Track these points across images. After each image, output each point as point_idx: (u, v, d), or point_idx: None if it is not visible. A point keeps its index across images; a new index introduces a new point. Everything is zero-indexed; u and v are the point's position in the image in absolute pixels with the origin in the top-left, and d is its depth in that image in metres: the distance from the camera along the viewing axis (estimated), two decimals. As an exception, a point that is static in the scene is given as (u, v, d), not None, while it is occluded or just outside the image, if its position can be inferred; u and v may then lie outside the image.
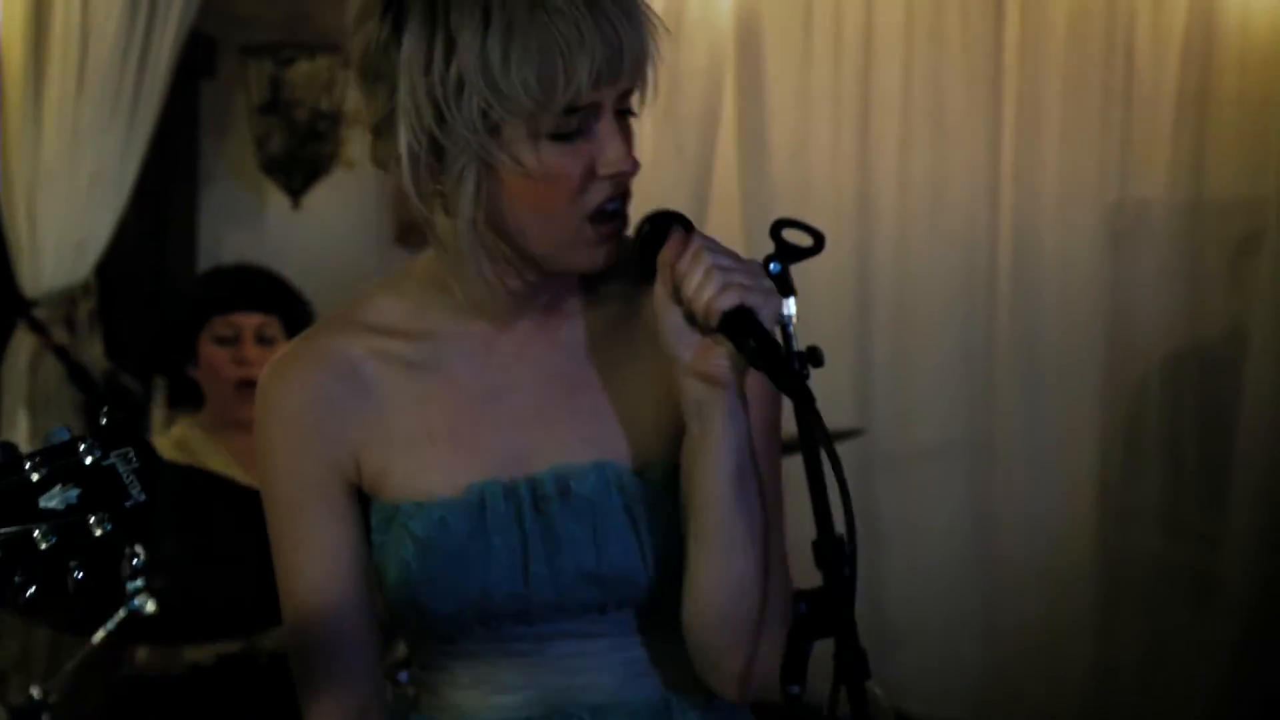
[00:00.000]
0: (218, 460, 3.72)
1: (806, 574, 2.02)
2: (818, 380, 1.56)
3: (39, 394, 4.04)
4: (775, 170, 4.20)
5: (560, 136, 1.60)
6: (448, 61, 1.57)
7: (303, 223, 4.76)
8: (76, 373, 3.98)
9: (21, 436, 4.02)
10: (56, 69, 3.98)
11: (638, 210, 1.68)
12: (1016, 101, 4.27)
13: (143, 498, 1.39)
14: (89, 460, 1.38)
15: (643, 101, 1.65)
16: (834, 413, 3.88)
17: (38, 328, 3.94)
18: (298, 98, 4.67)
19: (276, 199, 4.81)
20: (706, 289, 1.57)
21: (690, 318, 1.61)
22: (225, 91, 4.84)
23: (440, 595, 1.67)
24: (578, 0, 1.57)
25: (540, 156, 1.60)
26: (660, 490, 1.67)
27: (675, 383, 1.63)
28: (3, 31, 3.98)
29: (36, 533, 1.37)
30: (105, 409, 1.42)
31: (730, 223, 4.08)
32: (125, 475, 1.39)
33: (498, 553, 1.66)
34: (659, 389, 1.67)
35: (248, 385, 3.65)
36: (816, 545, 1.66)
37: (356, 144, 4.59)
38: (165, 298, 4.44)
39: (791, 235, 1.73)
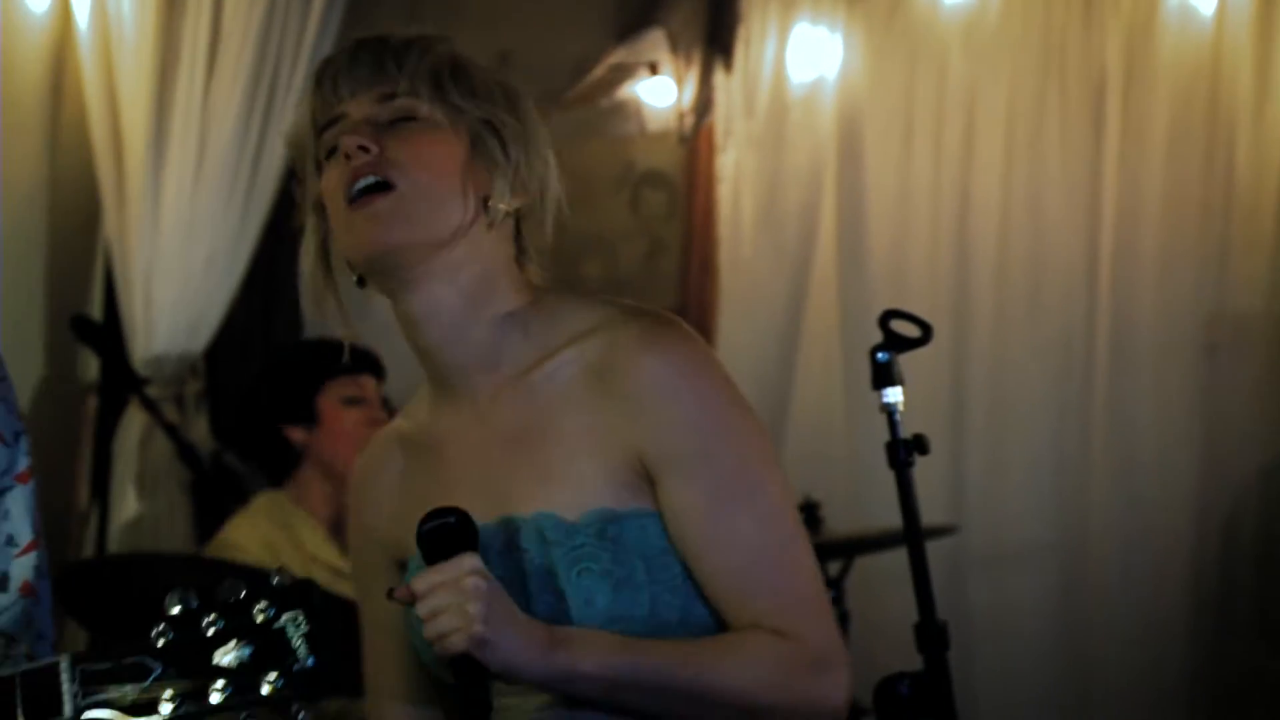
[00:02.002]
0: (307, 530, 3.77)
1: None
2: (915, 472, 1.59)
3: (148, 471, 4.11)
4: (873, 267, 4.23)
5: (325, 159, 1.76)
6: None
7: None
8: (186, 451, 4.05)
9: (129, 512, 4.09)
10: (176, 154, 4.08)
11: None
12: (1115, 210, 4.30)
13: (310, 662, 1.45)
14: (260, 620, 1.45)
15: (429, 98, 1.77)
16: (928, 508, 3.88)
17: (149, 405, 4.02)
18: (403, 186, 4.75)
19: (380, 287, 4.88)
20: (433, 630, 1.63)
21: None
22: (335, 183, 4.93)
23: (422, 649, 1.75)
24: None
25: (322, 191, 1.78)
26: (594, 539, 1.71)
27: (607, 434, 1.70)
28: (125, 117, 4.08)
29: (211, 688, 1.45)
30: (277, 570, 1.49)
31: (828, 318, 4.13)
32: (294, 639, 1.45)
33: None
34: (592, 439, 1.73)
35: None
36: (919, 629, 1.68)
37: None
38: (277, 358, 4.47)
39: (899, 326, 1.77)
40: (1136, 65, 4.31)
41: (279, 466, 3.84)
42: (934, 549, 3.73)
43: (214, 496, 4.10)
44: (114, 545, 4.02)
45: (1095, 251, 4.27)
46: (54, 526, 4.11)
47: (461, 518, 1.66)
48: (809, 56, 4.53)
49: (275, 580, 1.48)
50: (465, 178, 1.75)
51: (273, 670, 1.45)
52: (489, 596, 1.62)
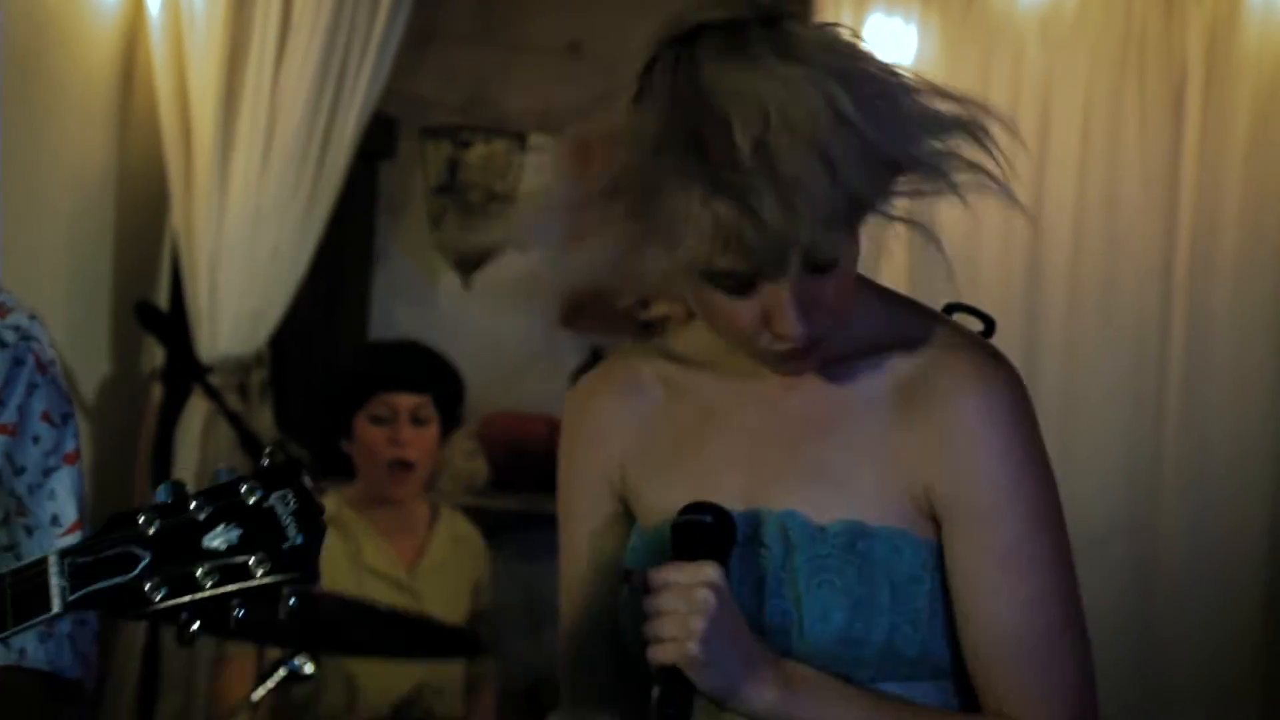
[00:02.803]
0: (367, 538, 3.77)
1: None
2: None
3: (209, 459, 4.11)
4: (944, 262, 4.16)
5: (718, 286, 1.58)
6: None
7: (473, 302, 4.82)
8: (248, 439, 4.05)
9: (192, 500, 4.09)
10: (244, 144, 4.08)
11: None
12: (1193, 207, 4.22)
13: (299, 540, 1.40)
14: (250, 501, 1.40)
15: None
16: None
17: (212, 393, 4.02)
18: (473, 180, 4.74)
19: (448, 278, 4.87)
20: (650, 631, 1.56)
21: None
22: (403, 172, 4.93)
23: (626, 630, 1.68)
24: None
25: (701, 295, 1.60)
26: (840, 550, 1.62)
27: (899, 453, 1.61)
28: (194, 106, 4.09)
29: (199, 572, 1.39)
30: (268, 450, 1.44)
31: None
32: (283, 517, 1.40)
33: None
34: (881, 454, 1.64)
35: (400, 465, 3.69)
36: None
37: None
38: (327, 370, 4.51)
39: (962, 319, 1.72)
40: (1218, 60, 4.23)
41: (339, 468, 3.87)
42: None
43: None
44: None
45: (1171, 248, 4.19)
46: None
47: (719, 519, 1.59)
48: (883, 48, 4.44)
49: (264, 459, 1.42)
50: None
51: (261, 550, 1.39)
52: (717, 615, 1.54)
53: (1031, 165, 4.28)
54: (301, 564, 1.40)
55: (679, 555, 1.58)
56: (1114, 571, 4.09)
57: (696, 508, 1.60)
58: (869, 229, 1.64)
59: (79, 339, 4.03)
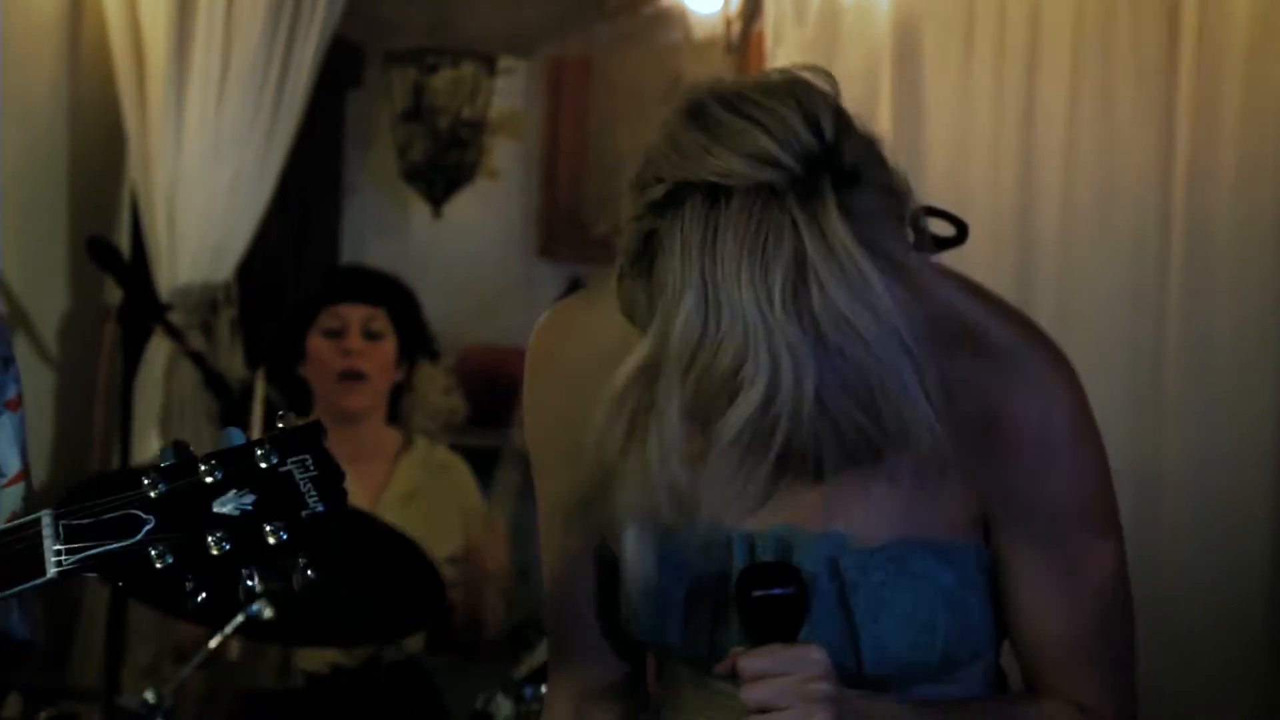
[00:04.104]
0: None
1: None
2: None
3: (174, 400, 4.01)
4: (933, 178, 4.04)
5: None
6: None
7: (445, 231, 4.70)
8: (212, 379, 3.93)
9: (152, 445, 3.98)
10: (198, 73, 3.96)
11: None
12: (1191, 116, 4.07)
13: (320, 508, 1.32)
14: (265, 466, 1.32)
15: None
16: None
17: (173, 333, 3.90)
18: (440, 105, 4.62)
19: (419, 208, 4.75)
20: None
21: None
22: (370, 101, 4.82)
23: (644, 624, 1.57)
24: None
25: None
26: (895, 576, 1.51)
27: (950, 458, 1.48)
28: (146, 35, 3.96)
29: (210, 539, 1.31)
30: (282, 414, 1.36)
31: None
32: (303, 483, 1.33)
33: (689, 604, 1.53)
34: (929, 459, 1.48)
35: (350, 376, 3.63)
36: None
37: (499, 153, 4.53)
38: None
39: (934, 225, 1.58)
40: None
41: (300, 402, 3.78)
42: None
43: (244, 427, 3.98)
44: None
45: (1169, 160, 4.05)
46: (74, 460, 4.00)
47: (802, 588, 1.45)
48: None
49: (280, 423, 1.34)
50: None
51: (278, 519, 1.31)
52: (836, 706, 1.43)
53: (1022, 76, 4.15)
54: (322, 532, 1.32)
55: (760, 636, 1.44)
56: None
57: (767, 574, 1.45)
58: None
59: (35, 276, 3.94)
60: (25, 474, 1.65)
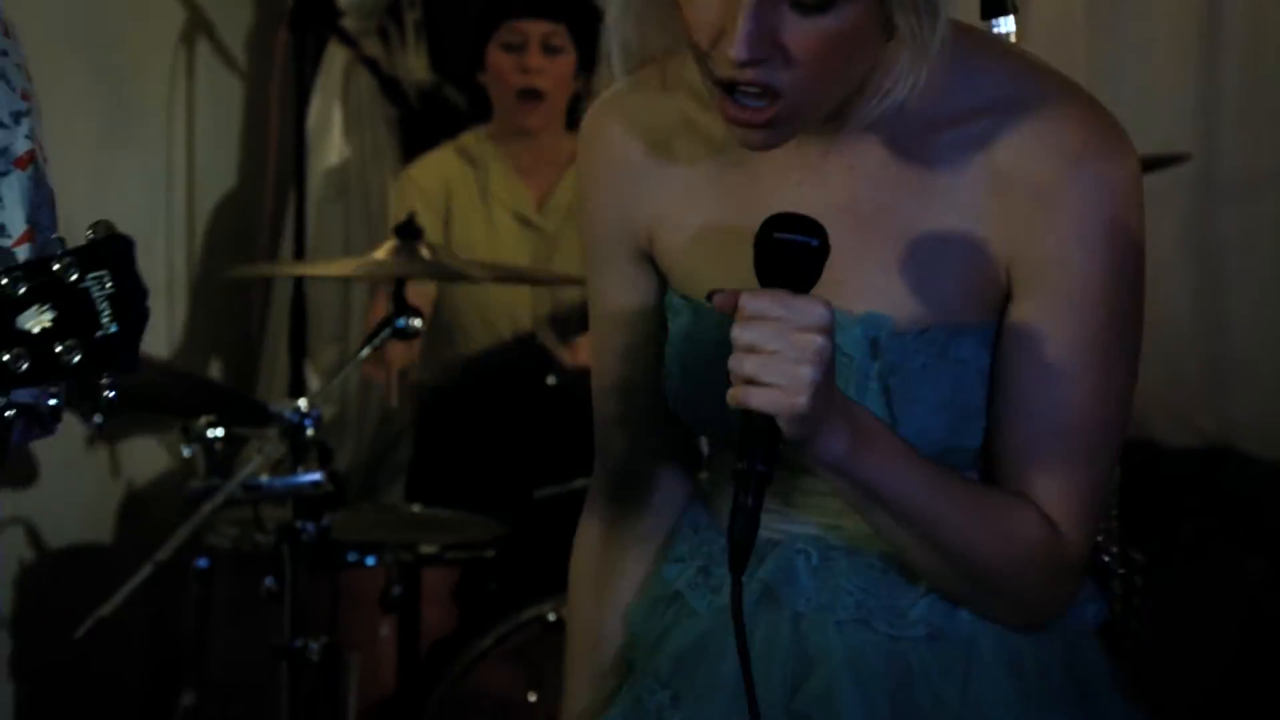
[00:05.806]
0: (496, 168, 3.74)
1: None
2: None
3: (351, 107, 4.03)
4: None
5: None
6: None
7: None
8: (388, 86, 3.96)
9: (335, 153, 4.03)
10: None
11: None
12: None
13: (113, 329, 1.27)
14: (67, 280, 1.27)
15: None
16: (1168, 134, 3.46)
17: (347, 40, 3.91)
18: None
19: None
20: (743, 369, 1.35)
21: None
22: None
23: (683, 402, 1.56)
24: None
25: None
26: (937, 359, 1.46)
27: (989, 235, 1.44)
28: None
29: (7, 357, 1.27)
30: (93, 225, 1.29)
31: None
32: (99, 301, 1.26)
33: (722, 378, 1.45)
34: (970, 240, 1.45)
35: (529, 94, 3.64)
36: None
37: None
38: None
39: None
40: None
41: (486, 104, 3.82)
42: (1173, 176, 3.35)
43: (424, 132, 4.01)
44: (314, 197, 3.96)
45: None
46: (251, 166, 4.04)
47: (824, 244, 1.35)
48: None
49: (88, 233, 1.28)
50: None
51: (73, 337, 1.26)
52: (829, 369, 1.35)
53: None
54: (114, 355, 1.27)
55: (770, 280, 1.35)
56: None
57: (792, 223, 1.35)
58: None
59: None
60: (31, 234, 1.61)
